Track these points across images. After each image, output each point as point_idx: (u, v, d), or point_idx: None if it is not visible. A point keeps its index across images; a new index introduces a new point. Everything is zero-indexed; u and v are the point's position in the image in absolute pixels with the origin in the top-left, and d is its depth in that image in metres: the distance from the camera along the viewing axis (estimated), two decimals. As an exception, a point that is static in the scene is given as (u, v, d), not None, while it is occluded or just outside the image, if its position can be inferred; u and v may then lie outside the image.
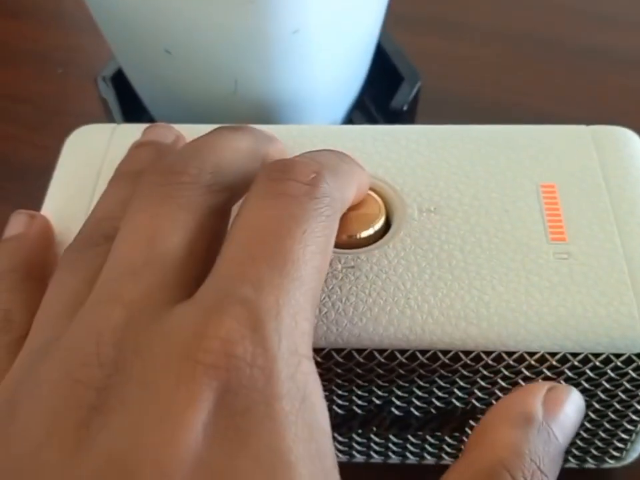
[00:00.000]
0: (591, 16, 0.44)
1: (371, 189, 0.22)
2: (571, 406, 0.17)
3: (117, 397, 0.14)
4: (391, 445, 0.24)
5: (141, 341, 0.14)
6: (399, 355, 0.20)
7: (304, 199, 0.16)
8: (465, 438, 0.23)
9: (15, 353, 0.17)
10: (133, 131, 0.23)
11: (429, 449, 0.24)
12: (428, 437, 0.23)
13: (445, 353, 0.20)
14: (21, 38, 0.44)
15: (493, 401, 0.21)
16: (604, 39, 0.42)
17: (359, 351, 0.20)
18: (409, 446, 0.24)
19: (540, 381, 0.20)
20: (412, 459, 0.24)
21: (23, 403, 0.14)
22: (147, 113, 0.33)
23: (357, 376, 0.21)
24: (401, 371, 0.20)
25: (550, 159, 0.23)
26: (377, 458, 0.24)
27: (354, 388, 0.21)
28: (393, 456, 0.24)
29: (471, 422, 0.22)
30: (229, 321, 0.14)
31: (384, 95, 0.33)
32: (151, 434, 0.13)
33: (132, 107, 0.33)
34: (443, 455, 0.24)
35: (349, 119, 0.33)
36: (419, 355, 0.20)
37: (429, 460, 0.24)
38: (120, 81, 0.33)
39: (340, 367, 0.20)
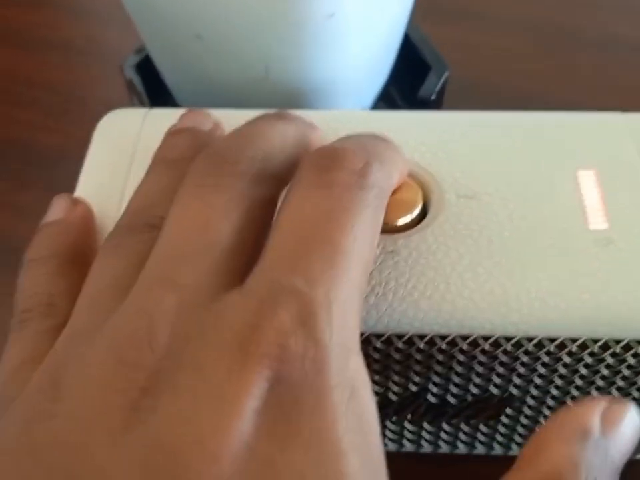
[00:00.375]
0: (613, 5, 0.44)
1: (407, 174, 0.21)
2: (629, 424, 0.16)
3: (167, 381, 0.14)
4: (424, 433, 0.24)
5: (193, 327, 0.14)
6: (438, 341, 0.20)
7: (354, 189, 0.16)
8: (499, 427, 0.23)
9: (57, 339, 0.17)
10: (166, 116, 0.23)
11: (463, 437, 0.24)
12: (462, 426, 0.23)
13: (486, 338, 0.19)
14: (40, 26, 0.44)
15: (531, 389, 0.21)
16: (625, 30, 0.42)
17: (399, 336, 0.20)
18: (442, 434, 0.24)
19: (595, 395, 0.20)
20: (444, 448, 0.24)
21: (69, 382, 0.14)
22: (172, 101, 0.33)
23: (394, 362, 0.20)
24: (440, 357, 0.20)
25: (587, 146, 0.23)
26: (408, 447, 0.24)
27: (391, 374, 0.21)
28: (426, 445, 0.24)
29: (507, 410, 0.22)
30: (282, 313, 0.14)
31: (410, 85, 0.33)
32: (201, 419, 0.13)
33: (156, 96, 0.32)
34: (476, 444, 0.24)
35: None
36: (459, 340, 0.20)
37: (462, 449, 0.24)
38: (144, 70, 0.32)
39: (378, 352, 0.20)
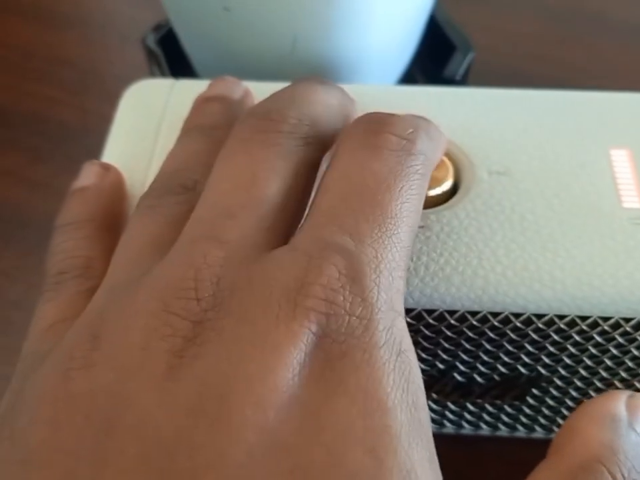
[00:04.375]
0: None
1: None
2: None
3: (214, 329, 0.14)
4: (447, 412, 0.23)
5: (239, 279, 0.14)
6: (469, 317, 0.19)
7: (402, 154, 0.16)
8: (524, 407, 0.23)
9: None
10: (194, 87, 0.23)
11: (486, 418, 0.23)
12: (487, 406, 0.23)
13: (517, 315, 0.19)
14: (60, 2, 0.44)
15: (559, 369, 0.21)
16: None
17: (429, 312, 0.19)
18: (466, 414, 0.23)
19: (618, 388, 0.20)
20: (467, 429, 0.24)
21: (108, 332, 0.14)
22: (193, 77, 0.32)
23: (424, 338, 0.20)
24: (470, 334, 0.20)
25: (620, 125, 0.22)
26: (431, 427, 0.24)
27: (419, 351, 0.21)
28: (449, 424, 0.24)
29: (533, 390, 0.22)
30: (330, 269, 0.14)
31: (434, 66, 0.32)
32: (247, 365, 0.13)
33: (176, 74, 0.32)
34: (500, 425, 0.24)
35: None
36: (490, 317, 0.19)
37: (485, 430, 0.24)
38: (164, 47, 0.32)
39: (408, 327, 0.20)
